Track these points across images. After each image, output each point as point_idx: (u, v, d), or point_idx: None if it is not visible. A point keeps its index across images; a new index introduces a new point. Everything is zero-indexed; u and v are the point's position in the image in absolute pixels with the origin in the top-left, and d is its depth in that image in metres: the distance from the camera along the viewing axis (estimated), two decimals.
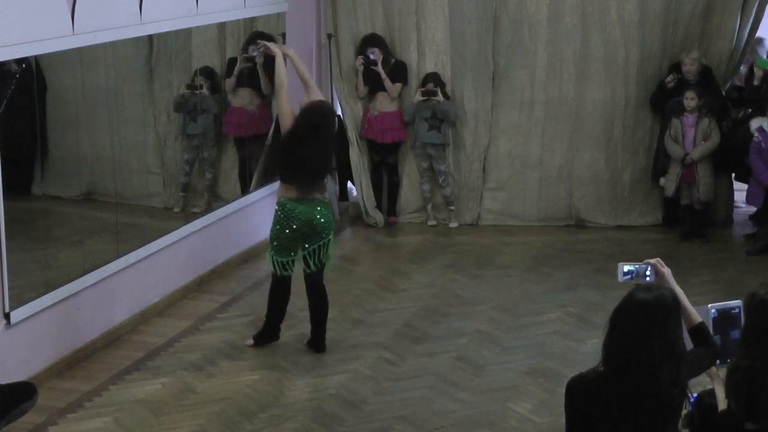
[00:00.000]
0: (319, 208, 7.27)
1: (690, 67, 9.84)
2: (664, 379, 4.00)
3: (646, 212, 10.46)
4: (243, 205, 9.40)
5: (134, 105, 8.44)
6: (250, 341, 7.59)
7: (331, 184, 9.40)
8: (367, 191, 10.52)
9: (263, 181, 9.75)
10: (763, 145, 9.32)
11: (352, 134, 10.38)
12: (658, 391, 4.01)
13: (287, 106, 7.29)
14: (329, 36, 10.44)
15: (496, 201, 10.60)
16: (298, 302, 7.68)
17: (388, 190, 10.69)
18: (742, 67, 10.33)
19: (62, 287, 7.13)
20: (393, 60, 10.39)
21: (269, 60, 9.69)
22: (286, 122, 7.26)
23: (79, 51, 7.30)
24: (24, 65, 6.83)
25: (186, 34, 8.71)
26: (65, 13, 6.94)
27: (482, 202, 10.59)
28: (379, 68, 10.23)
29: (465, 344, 7.63)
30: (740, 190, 10.25)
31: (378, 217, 10.53)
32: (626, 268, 4.45)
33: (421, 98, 10.21)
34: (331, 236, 7.37)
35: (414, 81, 10.44)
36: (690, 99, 9.63)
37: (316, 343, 7.49)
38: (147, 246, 8.03)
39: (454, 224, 10.50)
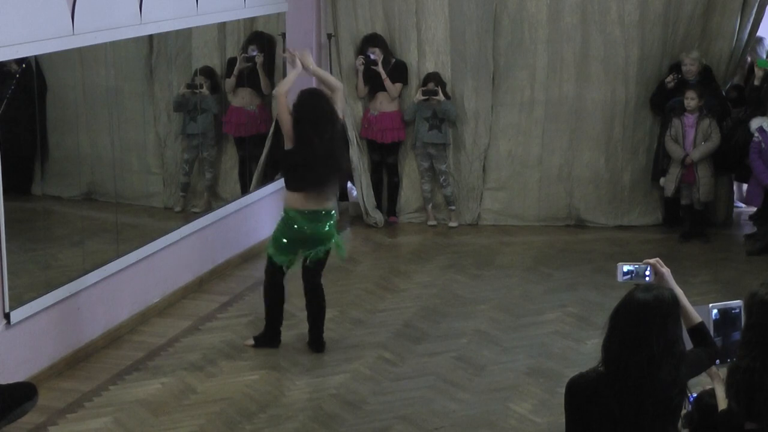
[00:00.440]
0: (325, 223, 7.24)
1: (690, 67, 9.84)
2: (663, 379, 4.01)
3: (646, 212, 10.46)
4: (243, 205, 9.40)
5: (134, 105, 8.45)
6: (251, 341, 7.58)
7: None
8: (367, 191, 10.52)
9: (263, 181, 9.76)
10: (763, 145, 9.32)
11: (352, 134, 10.38)
12: (658, 391, 4.02)
13: (287, 115, 7.25)
14: (329, 36, 10.43)
15: (496, 201, 10.60)
16: (299, 302, 7.68)
17: (388, 190, 10.69)
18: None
19: (62, 287, 7.13)
20: (393, 60, 10.38)
21: (269, 60, 9.74)
22: (288, 121, 7.23)
23: (79, 51, 7.30)
24: (24, 65, 6.83)
25: (186, 34, 8.71)
26: (65, 13, 6.94)
27: (482, 202, 10.60)
28: (380, 68, 10.23)
29: (465, 344, 7.63)
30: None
31: (378, 217, 10.53)
32: (626, 268, 4.45)
33: (422, 98, 10.21)
34: (332, 242, 7.35)
35: (414, 81, 10.44)
36: (690, 99, 9.63)
37: (315, 343, 7.49)
38: (147, 246, 8.03)
39: (453, 224, 10.50)
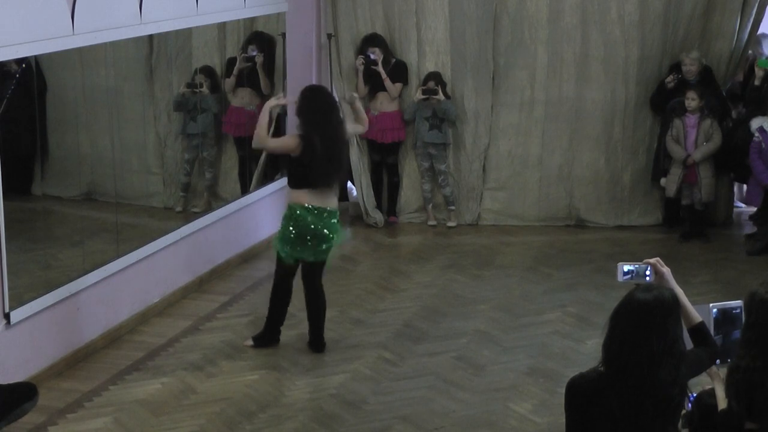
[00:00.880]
0: (328, 222, 7.25)
1: (690, 67, 9.83)
2: (663, 378, 4.01)
3: (646, 212, 10.46)
4: (243, 205, 9.40)
5: (134, 105, 8.45)
6: (250, 342, 7.59)
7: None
8: (367, 191, 10.52)
9: (263, 181, 9.76)
10: (763, 145, 9.32)
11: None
12: (658, 391, 4.02)
13: (278, 141, 7.55)
14: (329, 36, 10.43)
15: (496, 201, 10.60)
16: (299, 302, 7.68)
17: (388, 190, 10.69)
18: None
19: (62, 287, 7.13)
20: (393, 60, 10.39)
21: (269, 60, 9.74)
22: (289, 142, 7.32)
23: (79, 51, 7.30)
24: (24, 65, 6.83)
25: (186, 34, 8.71)
26: (65, 13, 6.94)
27: (482, 201, 10.60)
28: (380, 68, 10.23)
29: (465, 344, 7.63)
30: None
31: (378, 217, 10.53)
32: (626, 267, 4.45)
33: (422, 97, 10.21)
34: (336, 240, 7.36)
35: (414, 81, 10.44)
36: (691, 99, 9.62)
37: (315, 343, 7.49)
38: (147, 246, 8.03)
39: (452, 224, 10.50)
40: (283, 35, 9.89)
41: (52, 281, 7.13)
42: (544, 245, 9.93)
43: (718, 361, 4.59)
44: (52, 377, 6.98)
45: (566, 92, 10.32)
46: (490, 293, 8.66)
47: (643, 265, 4.45)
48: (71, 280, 7.23)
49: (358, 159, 10.43)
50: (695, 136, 9.70)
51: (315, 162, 7.11)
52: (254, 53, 9.54)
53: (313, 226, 7.19)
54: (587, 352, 7.30)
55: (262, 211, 9.59)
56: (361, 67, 10.27)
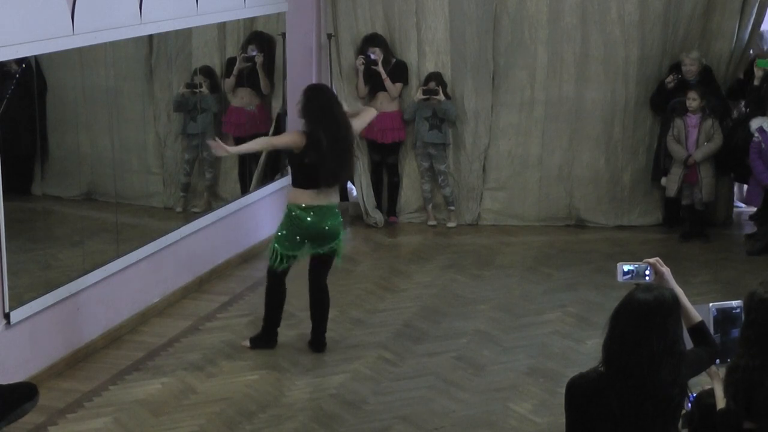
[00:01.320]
0: (329, 220, 7.24)
1: (690, 67, 9.83)
2: (664, 378, 4.01)
3: (646, 212, 10.46)
4: (243, 205, 9.40)
5: (134, 105, 8.45)
6: (247, 342, 7.57)
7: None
8: (367, 191, 10.52)
9: (263, 181, 9.76)
10: (763, 145, 9.32)
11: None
12: (658, 391, 4.02)
13: (282, 137, 7.45)
14: (329, 36, 10.43)
15: (496, 201, 10.60)
16: (299, 302, 7.68)
17: (388, 190, 10.69)
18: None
19: (62, 287, 7.13)
20: (393, 60, 10.39)
21: (269, 60, 9.74)
22: (294, 136, 7.29)
23: (79, 51, 7.30)
24: (24, 65, 6.83)
25: (186, 34, 8.71)
26: (65, 13, 6.94)
27: (482, 202, 10.60)
28: (380, 68, 10.23)
29: (465, 344, 7.63)
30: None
31: (378, 217, 10.53)
32: (626, 267, 4.45)
33: (422, 97, 10.21)
34: (340, 240, 7.36)
35: (414, 81, 10.44)
36: (693, 99, 9.62)
37: (316, 343, 7.49)
38: (147, 246, 8.03)
39: (452, 224, 10.50)
40: (283, 35, 9.89)
41: (52, 281, 7.13)
42: (544, 245, 9.93)
43: (717, 360, 4.59)
44: (52, 377, 6.98)
45: (566, 92, 10.32)
46: (490, 293, 8.66)
47: (643, 265, 4.45)
48: (71, 280, 7.23)
49: (358, 159, 10.42)
50: (696, 136, 9.70)
51: (321, 160, 7.10)
52: (254, 53, 9.54)
53: (314, 226, 7.19)
54: (587, 352, 7.30)
55: (262, 212, 9.59)
56: (362, 67, 10.27)
